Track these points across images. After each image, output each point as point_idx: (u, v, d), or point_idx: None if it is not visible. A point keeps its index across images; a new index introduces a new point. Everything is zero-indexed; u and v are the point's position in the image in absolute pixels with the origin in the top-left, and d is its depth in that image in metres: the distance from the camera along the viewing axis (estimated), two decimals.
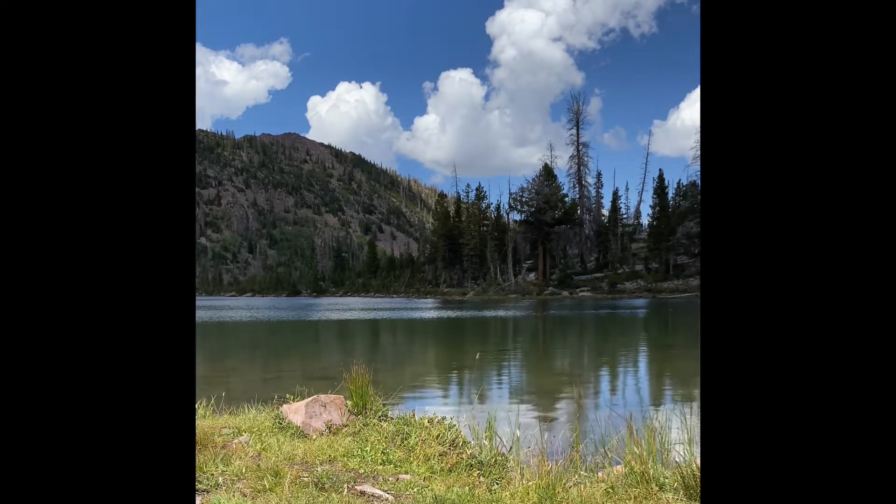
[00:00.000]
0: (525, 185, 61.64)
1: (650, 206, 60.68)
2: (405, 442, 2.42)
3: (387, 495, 1.90)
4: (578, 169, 64.77)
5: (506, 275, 61.68)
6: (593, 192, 66.67)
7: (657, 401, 6.77)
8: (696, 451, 2.01)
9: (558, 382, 8.35)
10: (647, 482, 2.02)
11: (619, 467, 2.18)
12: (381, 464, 2.20)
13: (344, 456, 2.25)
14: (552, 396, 7.14)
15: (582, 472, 2.29)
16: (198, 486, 1.84)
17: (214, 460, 2.07)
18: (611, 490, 2.01)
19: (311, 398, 2.77)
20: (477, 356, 9.67)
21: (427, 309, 33.12)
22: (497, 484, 2.10)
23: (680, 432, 2.47)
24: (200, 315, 27.40)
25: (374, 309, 33.53)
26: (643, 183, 70.18)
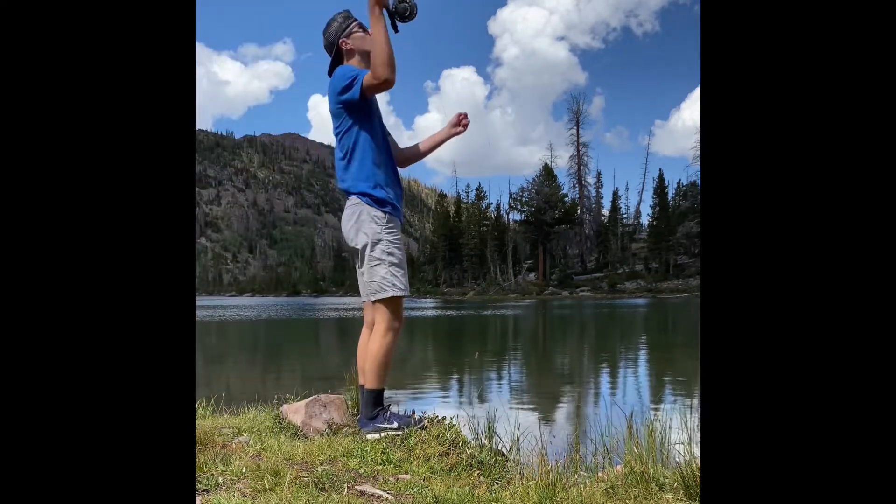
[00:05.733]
0: (525, 185, 61.73)
1: (650, 206, 60.78)
2: (405, 442, 2.42)
3: (387, 495, 1.90)
4: (578, 169, 64.84)
5: (506, 275, 61.70)
6: (593, 192, 66.76)
7: (657, 400, 6.77)
8: (696, 451, 2.01)
9: (558, 382, 8.35)
10: (647, 482, 2.02)
11: (619, 467, 2.18)
12: (381, 464, 2.20)
13: (344, 456, 2.24)
14: (552, 396, 7.14)
15: (582, 472, 2.29)
16: (198, 486, 1.83)
17: (214, 460, 2.07)
18: (611, 490, 2.01)
19: (311, 398, 2.77)
20: (476, 355, 9.66)
21: (427, 308, 33.11)
22: (497, 484, 2.10)
23: (680, 432, 2.47)
24: (200, 315, 27.39)
25: None
26: (643, 183, 70.36)
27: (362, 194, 2.57)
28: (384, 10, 2.41)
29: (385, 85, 2.42)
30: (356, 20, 2.63)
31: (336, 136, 2.64)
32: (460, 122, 2.79)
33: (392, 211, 2.60)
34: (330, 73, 2.64)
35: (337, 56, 2.64)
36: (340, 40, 2.61)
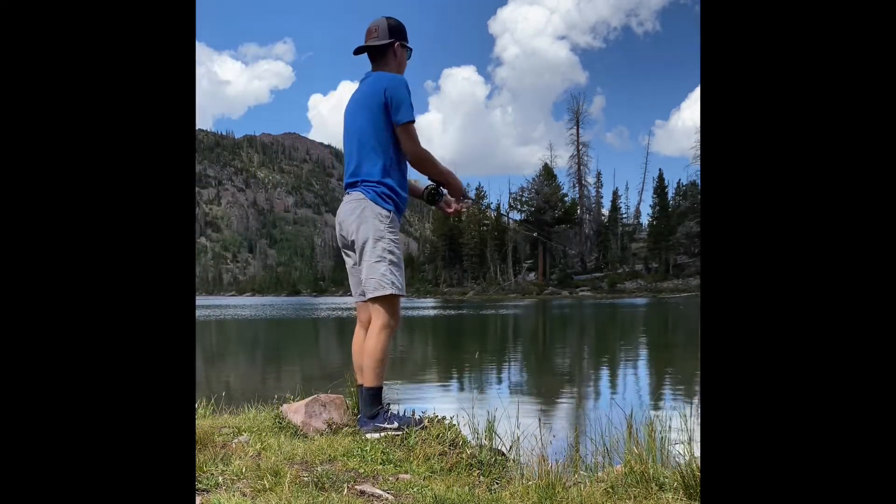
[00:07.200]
0: (525, 185, 61.77)
1: (650, 206, 60.86)
2: (405, 442, 2.42)
3: (387, 495, 1.90)
4: (578, 168, 64.87)
5: (506, 274, 61.73)
6: (593, 192, 66.82)
7: (657, 400, 6.77)
8: (697, 451, 2.01)
9: (558, 382, 8.35)
10: (647, 482, 2.02)
11: (618, 467, 2.18)
12: (381, 464, 2.20)
13: (344, 456, 2.25)
14: (552, 396, 7.14)
15: (582, 472, 2.29)
16: (198, 485, 1.83)
17: (214, 460, 2.07)
18: (610, 490, 2.01)
19: (311, 398, 2.77)
20: (476, 355, 9.66)
21: (427, 308, 33.11)
22: (497, 484, 2.10)
23: (680, 432, 2.47)
24: (200, 315, 27.39)
25: None
26: (643, 182, 70.43)
27: (380, 183, 2.60)
28: (440, 187, 2.80)
29: (407, 155, 2.64)
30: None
31: (365, 126, 2.65)
32: (452, 208, 2.93)
33: (395, 211, 2.63)
34: (371, 59, 2.74)
35: (381, 50, 2.71)
36: (398, 42, 2.71)
